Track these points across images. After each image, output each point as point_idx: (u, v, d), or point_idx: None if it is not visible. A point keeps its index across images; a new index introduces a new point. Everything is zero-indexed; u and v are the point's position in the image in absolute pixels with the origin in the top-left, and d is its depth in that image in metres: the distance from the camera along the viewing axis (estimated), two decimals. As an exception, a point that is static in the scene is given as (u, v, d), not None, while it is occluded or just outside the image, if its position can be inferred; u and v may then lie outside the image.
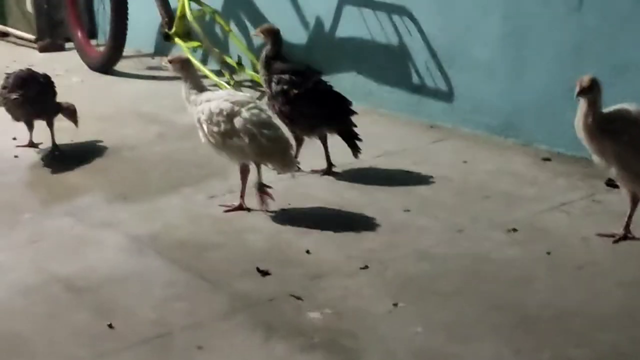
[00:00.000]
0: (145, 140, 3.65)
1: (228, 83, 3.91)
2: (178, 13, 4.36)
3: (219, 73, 4.11)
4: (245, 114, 2.68)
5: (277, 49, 3.04)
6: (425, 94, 3.67)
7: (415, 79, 3.69)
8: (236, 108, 2.70)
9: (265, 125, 2.70)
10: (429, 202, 2.90)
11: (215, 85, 3.94)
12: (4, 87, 3.52)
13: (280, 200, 2.85)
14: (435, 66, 3.60)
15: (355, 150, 3.05)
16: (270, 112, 2.88)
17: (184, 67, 2.82)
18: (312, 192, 3.00)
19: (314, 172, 3.10)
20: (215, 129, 2.70)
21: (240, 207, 2.79)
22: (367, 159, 3.18)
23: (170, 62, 2.89)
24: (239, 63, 4.09)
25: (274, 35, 3.05)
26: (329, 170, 3.09)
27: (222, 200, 2.96)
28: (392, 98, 3.74)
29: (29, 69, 3.61)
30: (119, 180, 3.26)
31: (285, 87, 3.01)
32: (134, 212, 2.94)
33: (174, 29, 4.31)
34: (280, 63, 3.04)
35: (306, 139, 3.12)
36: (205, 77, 3.98)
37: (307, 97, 3.02)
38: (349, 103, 3.09)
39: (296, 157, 2.98)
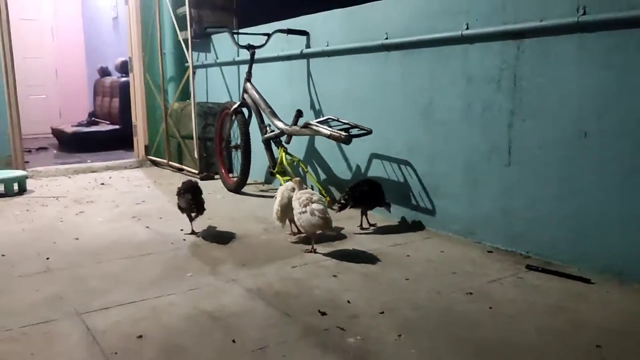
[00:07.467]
0: (256, 232, 4.43)
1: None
2: (278, 160, 5.49)
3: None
4: (314, 205, 3.72)
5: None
6: (419, 210, 4.60)
7: (414, 201, 4.59)
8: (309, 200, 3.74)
9: (322, 211, 3.66)
10: (420, 274, 3.44)
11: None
12: (179, 191, 4.34)
13: (332, 270, 3.51)
14: (426, 195, 4.53)
15: (388, 208, 4.31)
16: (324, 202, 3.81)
17: (298, 185, 3.93)
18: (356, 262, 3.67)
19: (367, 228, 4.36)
20: (298, 210, 3.72)
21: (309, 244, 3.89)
22: (383, 247, 3.99)
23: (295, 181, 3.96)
24: (311, 187, 5.21)
25: None
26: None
27: (301, 270, 3.48)
28: (399, 213, 4.69)
29: (190, 181, 4.44)
30: (241, 255, 3.83)
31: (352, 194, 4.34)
32: (249, 274, 3.43)
33: (276, 169, 5.52)
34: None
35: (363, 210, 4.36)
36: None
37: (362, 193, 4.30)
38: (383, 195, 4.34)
39: (361, 224, 4.38)
